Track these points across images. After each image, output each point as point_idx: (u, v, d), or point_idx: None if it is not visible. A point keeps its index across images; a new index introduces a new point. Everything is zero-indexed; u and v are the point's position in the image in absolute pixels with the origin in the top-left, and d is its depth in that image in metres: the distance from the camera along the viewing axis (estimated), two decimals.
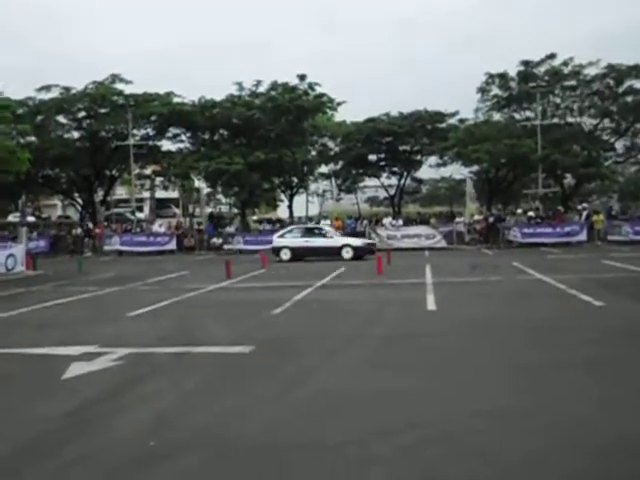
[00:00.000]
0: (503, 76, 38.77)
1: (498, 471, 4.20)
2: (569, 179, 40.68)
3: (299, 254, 25.70)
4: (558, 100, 39.01)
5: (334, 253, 25.13)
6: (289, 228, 28.88)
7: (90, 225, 38.23)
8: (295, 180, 44.80)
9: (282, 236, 26.96)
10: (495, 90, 39.70)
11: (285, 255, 25.81)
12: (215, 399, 6.01)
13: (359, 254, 25.07)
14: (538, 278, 15.87)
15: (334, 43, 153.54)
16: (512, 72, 38.54)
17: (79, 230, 36.50)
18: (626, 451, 4.46)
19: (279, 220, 39.78)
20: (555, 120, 38.74)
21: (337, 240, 26.07)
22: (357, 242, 26.34)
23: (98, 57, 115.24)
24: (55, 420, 5.57)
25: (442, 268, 19.58)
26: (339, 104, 41.75)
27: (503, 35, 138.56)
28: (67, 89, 38.99)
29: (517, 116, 40.41)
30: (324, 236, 26.36)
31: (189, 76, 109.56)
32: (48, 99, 38.88)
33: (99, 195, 45.13)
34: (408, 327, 9.73)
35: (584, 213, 31.90)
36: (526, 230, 30.47)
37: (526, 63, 38.08)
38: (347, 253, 25.10)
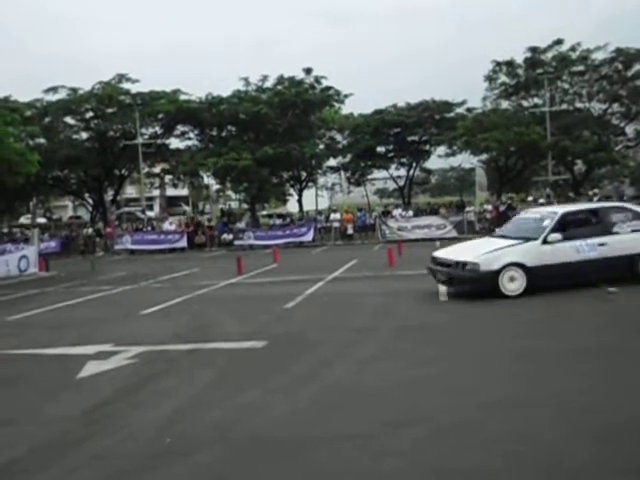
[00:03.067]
0: (510, 63, 38.39)
1: (509, 461, 4.21)
2: (579, 165, 40.28)
3: None
4: (566, 86, 38.60)
5: None
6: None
7: (101, 225, 38.37)
8: (304, 174, 44.72)
9: None
10: (502, 78, 39.30)
11: None
12: (230, 394, 6.04)
13: None
14: None
15: (337, 35, 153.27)
16: (519, 59, 38.23)
17: (90, 230, 36.66)
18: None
19: (289, 214, 39.68)
20: (564, 106, 38.31)
21: None
22: None
23: (102, 58, 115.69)
24: (71, 419, 5.62)
25: None
26: (346, 96, 41.55)
27: (509, 21, 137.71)
28: (74, 90, 39.01)
29: (525, 103, 40.01)
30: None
31: (196, 74, 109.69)
32: (55, 100, 38.95)
33: (109, 195, 45.26)
34: (420, 319, 9.72)
35: (595, 199, 31.63)
36: None
37: (533, 49, 37.66)
38: None
